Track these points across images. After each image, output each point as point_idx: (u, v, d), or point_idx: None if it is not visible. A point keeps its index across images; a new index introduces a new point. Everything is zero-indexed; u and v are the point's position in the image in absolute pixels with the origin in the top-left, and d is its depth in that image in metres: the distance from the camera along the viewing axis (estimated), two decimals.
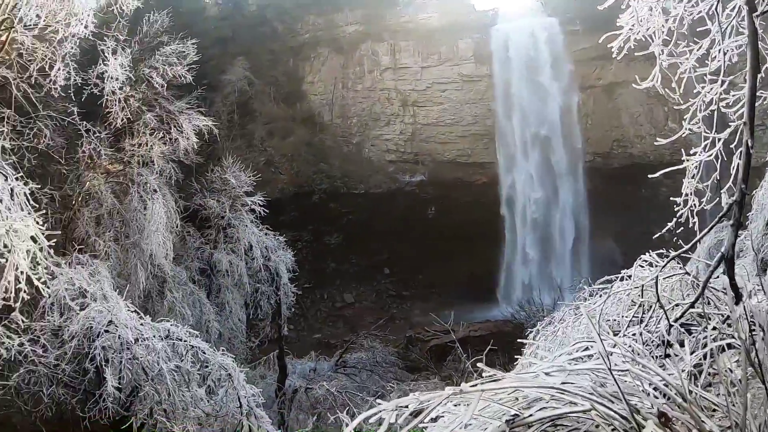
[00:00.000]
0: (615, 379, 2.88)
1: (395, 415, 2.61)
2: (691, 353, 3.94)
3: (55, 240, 9.39)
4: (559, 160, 39.73)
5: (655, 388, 3.10)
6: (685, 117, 5.25)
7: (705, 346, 4.03)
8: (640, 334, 4.89)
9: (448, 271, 38.35)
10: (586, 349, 4.14)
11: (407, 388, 19.35)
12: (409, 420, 2.67)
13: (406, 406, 2.68)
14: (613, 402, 2.87)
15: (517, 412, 2.81)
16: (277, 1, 42.37)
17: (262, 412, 13.27)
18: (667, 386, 3.03)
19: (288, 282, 22.75)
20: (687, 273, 5.61)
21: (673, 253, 5.39)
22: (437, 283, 39.56)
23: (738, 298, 4.13)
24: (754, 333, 3.52)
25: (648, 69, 5.58)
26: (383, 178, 43.00)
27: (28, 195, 8.09)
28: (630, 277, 6.03)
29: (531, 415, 2.79)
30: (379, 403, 2.68)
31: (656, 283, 4.94)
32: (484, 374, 3.13)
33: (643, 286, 5.41)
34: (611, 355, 3.58)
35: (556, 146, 39.58)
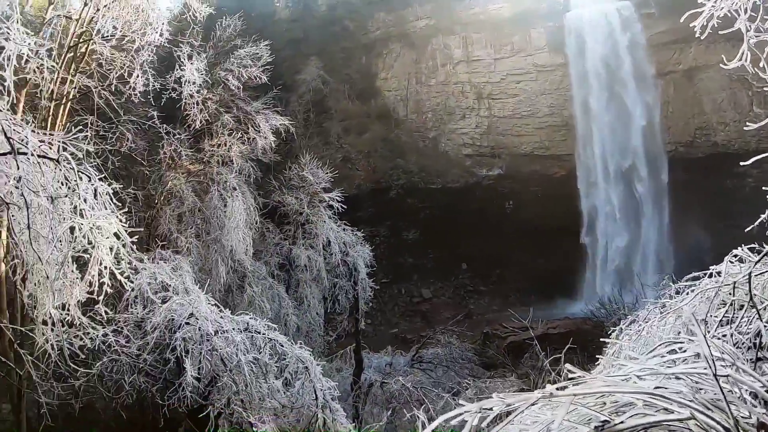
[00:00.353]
0: (720, 387, 2.67)
1: (478, 418, 2.50)
2: None
3: (138, 237, 9.82)
4: (644, 193, 37.74)
5: (751, 395, 2.82)
6: None
7: None
8: (731, 335, 4.52)
9: (526, 266, 37.52)
10: (674, 351, 3.85)
11: (483, 386, 19.01)
12: (491, 425, 2.55)
13: (491, 408, 2.56)
14: (711, 410, 2.66)
15: (607, 418, 2.63)
16: (347, 0, 42.78)
17: (338, 405, 13.39)
18: None
19: (366, 277, 22.86)
20: None
21: (767, 248, 4.96)
22: (515, 278, 38.79)
23: None
24: None
25: (730, 50, 5.16)
26: (460, 172, 42.55)
27: (111, 194, 8.39)
28: (719, 273, 5.61)
29: (622, 422, 2.60)
30: (462, 404, 2.58)
31: (749, 280, 4.55)
32: (569, 375, 2.93)
33: (734, 283, 5.00)
34: (700, 356, 3.28)
35: (641, 172, 37.69)
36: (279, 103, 24.91)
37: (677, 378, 2.95)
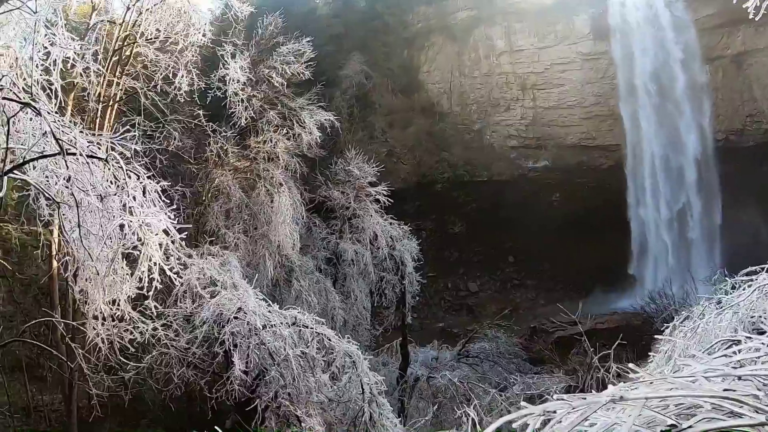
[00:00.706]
0: None
1: (541, 421, 2.42)
2: None
3: (186, 233, 10.04)
4: (696, 238, 36.16)
5: None
6: None
7: None
8: None
9: (573, 260, 36.65)
10: (735, 352, 3.69)
11: (530, 381, 18.73)
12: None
13: (554, 411, 2.46)
14: None
15: (674, 422, 2.46)
16: None
17: (384, 400, 13.36)
18: None
19: (413, 271, 22.70)
20: None
21: None
22: (562, 271, 38.01)
23: None
24: None
25: None
26: (506, 164, 41.96)
27: (160, 192, 8.59)
28: None
29: (691, 427, 2.43)
30: (525, 406, 2.51)
31: None
32: (629, 374, 2.78)
33: None
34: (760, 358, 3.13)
35: (695, 212, 36.22)
36: (323, 98, 25.06)
37: (739, 379, 2.79)
